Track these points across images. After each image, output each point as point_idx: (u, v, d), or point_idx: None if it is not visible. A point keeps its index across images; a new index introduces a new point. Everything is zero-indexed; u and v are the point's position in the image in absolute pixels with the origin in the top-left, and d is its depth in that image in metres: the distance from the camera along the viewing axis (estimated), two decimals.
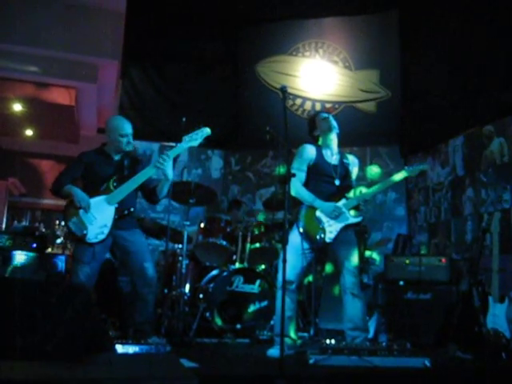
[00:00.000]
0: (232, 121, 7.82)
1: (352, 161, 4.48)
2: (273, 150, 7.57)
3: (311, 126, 4.46)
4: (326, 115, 4.41)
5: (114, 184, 4.18)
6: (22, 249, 5.68)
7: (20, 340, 2.49)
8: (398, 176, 4.36)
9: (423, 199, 7.08)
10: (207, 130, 4.30)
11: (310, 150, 4.30)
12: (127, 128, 4.35)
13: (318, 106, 7.67)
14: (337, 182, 4.29)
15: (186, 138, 4.27)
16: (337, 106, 7.61)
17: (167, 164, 4.18)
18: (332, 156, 4.37)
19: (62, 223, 8.10)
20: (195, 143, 4.28)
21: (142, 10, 7.51)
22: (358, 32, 7.72)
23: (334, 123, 4.36)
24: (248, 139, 7.72)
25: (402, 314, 5.27)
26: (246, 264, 5.54)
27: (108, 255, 4.88)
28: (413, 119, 7.22)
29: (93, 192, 4.14)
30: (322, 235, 4.08)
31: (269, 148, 7.57)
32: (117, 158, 4.36)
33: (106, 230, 4.08)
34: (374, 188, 4.33)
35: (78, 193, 4.11)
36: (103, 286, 4.41)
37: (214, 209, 7.26)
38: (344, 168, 4.37)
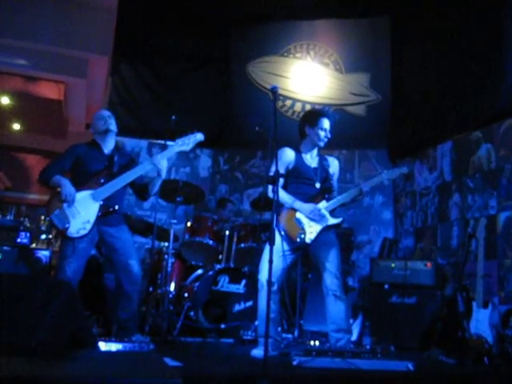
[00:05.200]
0: (221, 120, 7.80)
1: (332, 162, 4.45)
2: (262, 150, 7.58)
3: (309, 121, 4.32)
4: (326, 126, 4.27)
5: (102, 180, 4.15)
6: (6, 243, 5.63)
7: (3, 335, 2.46)
8: (374, 181, 4.37)
9: (410, 203, 7.10)
10: (200, 136, 4.31)
11: (288, 154, 4.27)
12: (101, 112, 4.43)
13: (308, 108, 7.65)
14: (317, 185, 4.27)
15: (178, 141, 4.28)
16: (326, 108, 7.61)
17: (163, 163, 4.20)
18: (312, 159, 4.36)
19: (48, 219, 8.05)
20: (187, 148, 4.30)
21: (133, 7, 7.46)
22: (350, 35, 7.73)
23: (327, 137, 4.30)
24: (237, 139, 7.71)
25: (386, 318, 5.29)
26: (231, 264, 5.53)
27: (93, 251, 4.85)
28: (402, 123, 7.25)
29: (80, 186, 4.10)
30: (303, 236, 4.07)
31: (258, 148, 7.58)
32: (107, 152, 4.33)
33: (89, 226, 4.05)
34: (349, 194, 4.29)
35: (67, 185, 4.06)
36: (88, 283, 4.38)
37: (202, 208, 7.24)
38: (324, 170, 4.35)
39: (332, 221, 4.20)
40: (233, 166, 7.86)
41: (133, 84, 7.66)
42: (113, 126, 4.33)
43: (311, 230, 4.13)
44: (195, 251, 5.72)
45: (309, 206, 4.16)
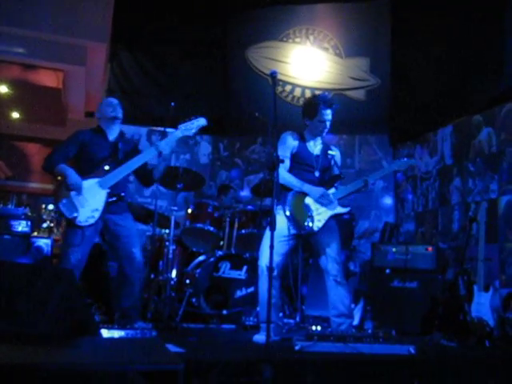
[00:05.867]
0: (221, 106, 7.77)
1: (335, 152, 4.40)
2: (262, 136, 7.56)
3: (308, 113, 4.26)
4: (325, 118, 4.19)
5: (108, 167, 4.14)
6: (7, 232, 5.64)
7: (4, 324, 2.47)
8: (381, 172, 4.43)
9: (411, 188, 7.10)
10: (203, 121, 4.29)
11: (292, 138, 4.23)
12: (110, 99, 4.44)
13: (307, 93, 7.64)
14: (316, 173, 4.23)
15: (181, 126, 4.26)
16: (325, 96, 7.56)
17: (167, 149, 4.21)
18: (314, 146, 4.31)
19: (49, 207, 8.04)
20: (190, 133, 4.29)
21: None
22: (350, 19, 7.68)
23: (326, 128, 4.24)
24: (237, 125, 7.69)
25: (387, 302, 5.31)
26: (233, 250, 5.53)
27: (97, 239, 4.85)
28: (402, 108, 7.23)
29: (86, 174, 4.09)
30: (311, 223, 4.04)
31: (258, 134, 7.56)
32: (112, 139, 4.32)
33: (97, 214, 4.05)
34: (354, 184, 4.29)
35: (72, 174, 4.04)
36: (90, 271, 4.38)
37: (202, 194, 7.23)
38: (327, 160, 4.31)
39: (340, 209, 4.19)
40: (233, 153, 7.84)
41: (131, 71, 7.63)
42: (120, 114, 4.34)
43: (319, 218, 4.10)
44: (196, 238, 5.72)
45: (319, 190, 4.12)
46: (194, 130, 4.28)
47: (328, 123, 4.23)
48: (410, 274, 5.33)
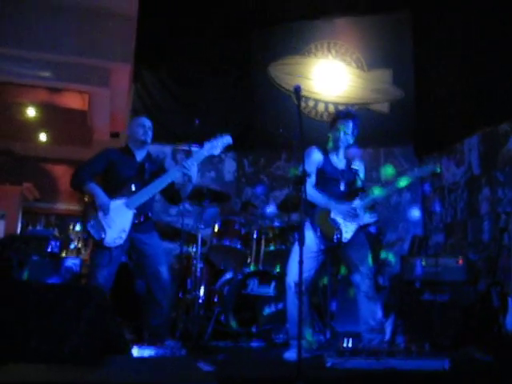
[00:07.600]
0: (245, 123, 7.78)
1: (359, 166, 4.42)
2: (286, 151, 7.54)
3: (330, 126, 4.38)
4: (345, 130, 4.25)
5: (133, 187, 4.15)
6: (37, 253, 5.70)
7: (36, 343, 2.48)
8: (405, 180, 4.33)
9: (439, 199, 7.00)
10: (228, 139, 4.30)
11: (316, 153, 4.26)
12: (143, 120, 4.41)
13: (331, 108, 7.62)
14: (342, 187, 4.25)
15: (206, 145, 4.26)
16: (346, 110, 7.53)
17: (194, 169, 4.20)
18: (338, 160, 4.34)
19: (77, 228, 8.12)
20: (216, 151, 4.29)
21: (154, 13, 7.49)
22: (371, 31, 7.65)
23: (345, 138, 4.26)
24: (261, 141, 7.68)
25: (418, 316, 5.21)
26: (260, 266, 5.50)
27: (124, 258, 4.87)
28: (427, 119, 7.15)
29: (112, 193, 4.11)
30: (339, 235, 4.05)
31: (282, 150, 7.54)
32: (139, 159, 4.34)
33: (124, 235, 4.05)
34: (384, 191, 4.28)
35: (101, 194, 4.06)
36: (119, 289, 4.39)
37: (229, 211, 7.22)
38: (352, 174, 4.33)
39: (368, 219, 4.18)
40: (258, 169, 7.83)
41: (155, 90, 7.67)
42: (150, 139, 4.37)
43: (347, 230, 4.11)
44: (223, 255, 5.71)
45: (344, 207, 4.13)
46: (219, 149, 4.28)
47: (349, 137, 4.24)
48: (441, 287, 5.24)
